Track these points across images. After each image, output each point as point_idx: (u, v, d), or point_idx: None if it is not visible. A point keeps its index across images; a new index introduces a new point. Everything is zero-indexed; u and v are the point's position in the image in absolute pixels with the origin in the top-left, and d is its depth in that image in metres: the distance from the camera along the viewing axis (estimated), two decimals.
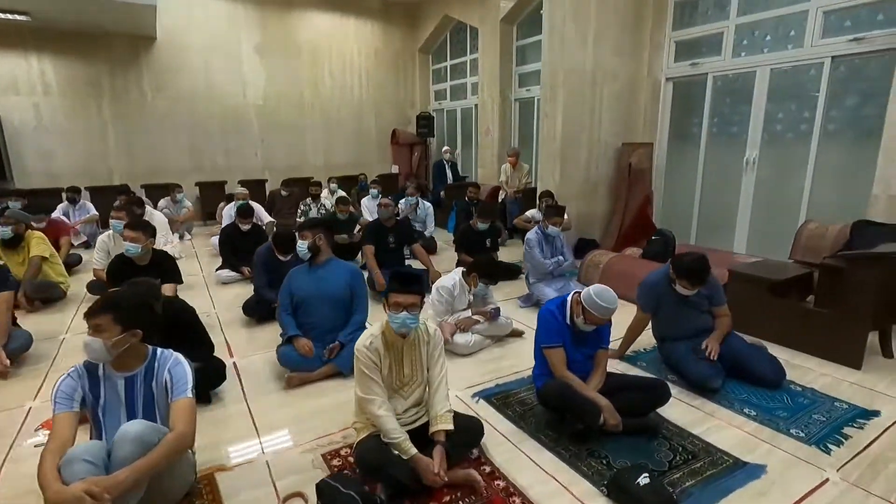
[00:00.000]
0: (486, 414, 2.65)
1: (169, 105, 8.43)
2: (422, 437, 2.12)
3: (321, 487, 1.91)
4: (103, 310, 1.78)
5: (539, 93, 6.37)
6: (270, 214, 6.80)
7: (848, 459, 2.26)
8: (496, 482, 2.12)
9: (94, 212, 6.81)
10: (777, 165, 5.13)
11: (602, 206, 6.18)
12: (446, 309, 3.56)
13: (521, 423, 2.56)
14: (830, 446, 2.36)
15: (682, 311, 3.05)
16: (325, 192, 7.46)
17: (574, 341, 2.53)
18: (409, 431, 2.11)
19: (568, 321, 2.52)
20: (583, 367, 2.54)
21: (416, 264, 5.05)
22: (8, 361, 3.09)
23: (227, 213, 6.35)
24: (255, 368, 3.21)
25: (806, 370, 3.13)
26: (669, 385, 2.61)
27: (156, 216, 5.77)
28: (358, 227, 5.91)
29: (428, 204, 6.80)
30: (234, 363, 3.27)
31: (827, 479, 2.14)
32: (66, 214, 6.52)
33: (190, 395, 1.85)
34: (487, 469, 2.20)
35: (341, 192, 7.27)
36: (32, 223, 4.79)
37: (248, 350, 3.50)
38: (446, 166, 8.74)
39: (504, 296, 4.50)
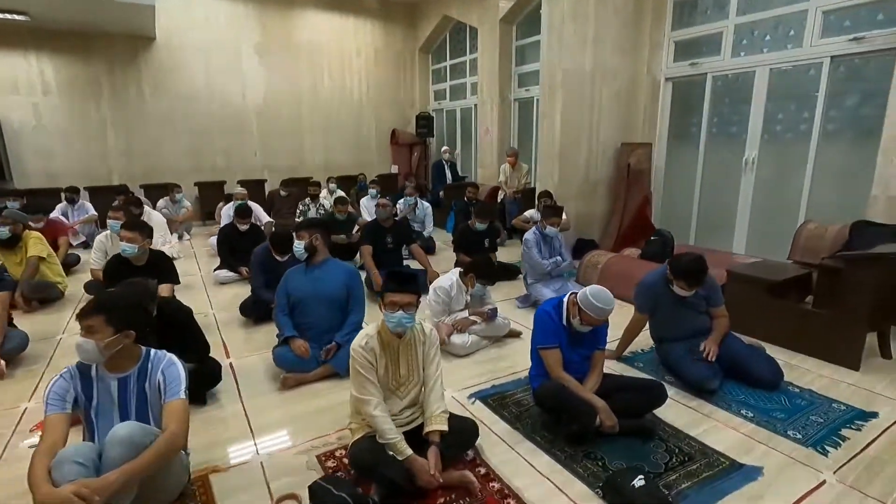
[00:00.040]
0: (482, 415, 2.64)
1: (168, 105, 8.43)
2: (418, 438, 2.12)
3: (313, 489, 1.90)
4: (96, 311, 1.78)
5: (538, 93, 6.36)
6: (270, 215, 6.80)
7: (845, 461, 2.25)
8: (491, 484, 2.11)
9: (92, 212, 6.81)
10: (776, 165, 5.12)
11: (601, 207, 6.17)
12: (443, 309, 3.54)
13: (516, 425, 2.55)
14: (828, 448, 2.34)
15: (679, 311, 3.03)
16: (324, 192, 7.45)
17: (570, 342, 2.52)
18: (405, 432, 2.10)
19: (564, 322, 2.51)
20: (579, 368, 2.54)
21: (414, 265, 5.04)
22: (3, 362, 3.09)
23: (226, 213, 6.35)
24: (251, 369, 3.20)
25: (804, 371, 3.12)
26: (666, 386, 2.61)
27: (154, 216, 5.76)
28: (356, 228, 5.90)
29: (427, 204, 6.78)
30: (231, 364, 3.26)
31: (824, 482, 2.12)
32: (64, 214, 6.53)
33: (183, 396, 1.84)
34: (482, 470, 2.19)
35: (340, 193, 7.26)
36: (30, 223, 4.80)
37: (245, 350, 3.49)
38: (445, 166, 8.74)
39: (502, 296, 4.49)
